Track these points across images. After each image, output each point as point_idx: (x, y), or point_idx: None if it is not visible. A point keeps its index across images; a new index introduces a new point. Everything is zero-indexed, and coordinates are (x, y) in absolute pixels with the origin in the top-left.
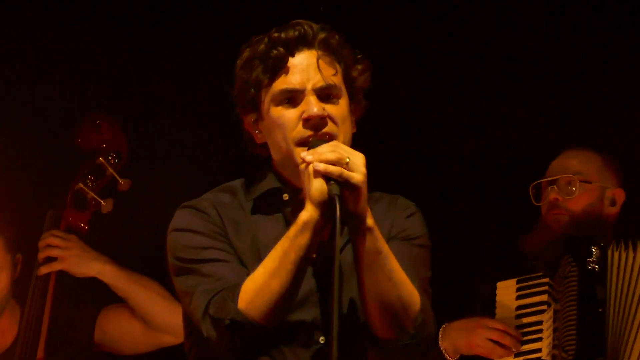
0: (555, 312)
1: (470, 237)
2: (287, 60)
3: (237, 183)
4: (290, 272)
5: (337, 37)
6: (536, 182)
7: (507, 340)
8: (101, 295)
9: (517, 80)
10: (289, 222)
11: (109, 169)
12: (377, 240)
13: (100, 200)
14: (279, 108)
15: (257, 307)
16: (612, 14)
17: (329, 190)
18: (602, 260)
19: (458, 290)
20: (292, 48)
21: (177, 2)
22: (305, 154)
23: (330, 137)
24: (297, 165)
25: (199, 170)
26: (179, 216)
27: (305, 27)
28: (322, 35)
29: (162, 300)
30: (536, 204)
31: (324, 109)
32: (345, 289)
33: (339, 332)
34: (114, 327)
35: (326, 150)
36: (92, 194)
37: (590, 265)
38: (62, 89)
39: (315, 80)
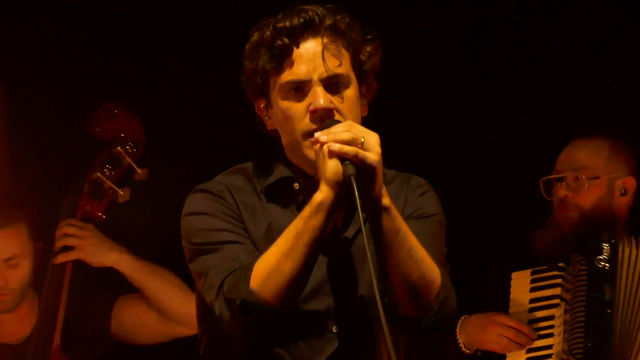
0: (566, 309)
1: (481, 229)
2: (292, 50)
3: (249, 166)
4: (304, 253)
5: (345, 19)
6: (545, 177)
7: (520, 338)
8: (116, 285)
9: (529, 68)
10: (299, 211)
11: (127, 158)
12: (395, 219)
13: (117, 189)
14: (287, 99)
15: (269, 288)
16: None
17: (344, 170)
18: (612, 258)
19: (469, 282)
20: (297, 37)
21: None
22: (319, 134)
23: None
24: (305, 157)
25: (216, 160)
26: (193, 200)
27: (310, 13)
28: (328, 21)
29: (178, 291)
30: (548, 199)
31: (330, 101)
32: (358, 275)
33: (356, 318)
34: (129, 318)
35: (341, 130)
36: (109, 183)
37: (600, 264)
38: (79, 77)
39: (321, 70)
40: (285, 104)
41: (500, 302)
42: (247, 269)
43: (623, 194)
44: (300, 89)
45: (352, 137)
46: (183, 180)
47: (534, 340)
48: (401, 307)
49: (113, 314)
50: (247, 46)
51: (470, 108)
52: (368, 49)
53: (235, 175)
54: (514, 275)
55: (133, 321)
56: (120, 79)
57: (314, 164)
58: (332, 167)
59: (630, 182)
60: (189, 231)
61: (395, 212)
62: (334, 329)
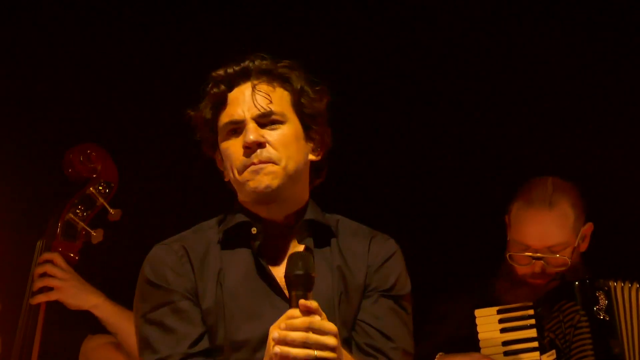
0: (559, 357)
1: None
2: (226, 96)
3: (212, 221)
4: None
5: (287, 66)
6: (518, 254)
7: None
8: (86, 323)
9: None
10: (256, 255)
11: (100, 199)
12: None
13: (90, 230)
14: (226, 141)
15: None
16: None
17: None
18: (609, 306)
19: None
20: (233, 84)
21: (168, 34)
22: (275, 337)
23: (270, 162)
24: (246, 191)
25: (189, 200)
26: (152, 261)
27: (247, 61)
28: (265, 67)
29: None
30: (511, 263)
31: (262, 136)
32: None
33: None
34: (97, 358)
35: (299, 344)
36: (82, 224)
37: (600, 315)
38: (52, 118)
39: (253, 109)
40: (224, 145)
41: (467, 339)
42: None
43: (584, 240)
44: (237, 130)
45: (306, 355)
46: (158, 220)
47: None
48: None
49: (81, 352)
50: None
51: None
52: (311, 94)
53: (195, 233)
54: (478, 312)
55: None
56: (93, 120)
57: (260, 200)
58: None
59: (589, 228)
60: (137, 295)
61: None
62: None
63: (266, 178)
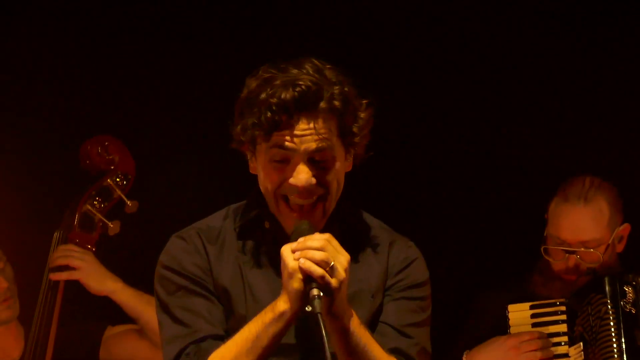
0: (587, 350)
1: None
2: (282, 126)
3: (230, 208)
4: (260, 355)
5: (339, 95)
6: (552, 247)
7: (547, 353)
8: (106, 315)
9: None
10: (269, 251)
11: (117, 190)
12: (354, 336)
13: (107, 222)
14: (270, 163)
15: None
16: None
17: (310, 293)
18: (637, 301)
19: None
20: (292, 113)
21: (189, 25)
22: (295, 246)
23: (318, 201)
24: (275, 213)
25: (206, 192)
26: (168, 249)
27: (304, 87)
28: (323, 105)
29: None
30: (547, 258)
31: (312, 177)
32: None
33: None
34: (120, 348)
35: (315, 247)
36: (99, 215)
37: (626, 307)
38: (70, 110)
39: (307, 144)
40: (267, 166)
41: (502, 334)
42: (204, 354)
43: (620, 242)
44: (284, 159)
45: (323, 258)
46: (174, 212)
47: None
48: None
49: (103, 343)
50: (240, 99)
51: (471, 130)
52: (360, 117)
53: (213, 219)
54: (511, 307)
55: (124, 352)
56: (111, 111)
57: (283, 219)
58: (297, 286)
59: (626, 229)
60: (160, 283)
61: (356, 328)
62: None
63: (310, 216)
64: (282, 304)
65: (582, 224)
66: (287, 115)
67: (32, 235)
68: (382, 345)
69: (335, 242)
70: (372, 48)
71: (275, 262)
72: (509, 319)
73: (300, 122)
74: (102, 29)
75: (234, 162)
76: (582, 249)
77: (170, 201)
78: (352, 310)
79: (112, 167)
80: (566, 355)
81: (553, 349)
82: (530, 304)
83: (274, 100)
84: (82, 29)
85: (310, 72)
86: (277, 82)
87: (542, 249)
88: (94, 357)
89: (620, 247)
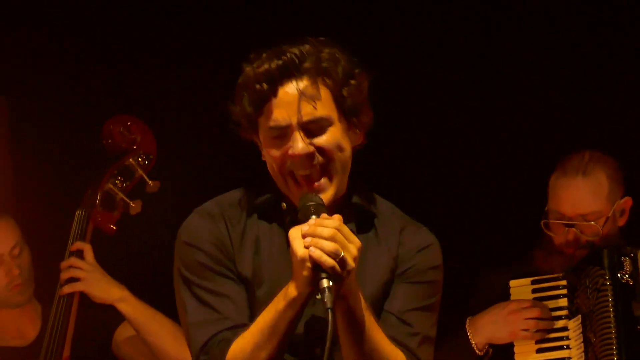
0: (585, 322)
1: (475, 233)
2: (270, 96)
3: (242, 190)
4: (279, 341)
5: (329, 55)
6: (551, 221)
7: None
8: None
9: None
10: (287, 231)
11: (139, 170)
12: (359, 319)
13: (129, 201)
14: (270, 142)
15: None
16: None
17: (319, 284)
18: (634, 272)
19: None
20: (276, 82)
21: (215, 5)
22: (305, 230)
23: (322, 175)
24: (286, 193)
25: (227, 172)
26: (190, 225)
27: (289, 55)
28: (308, 64)
29: (173, 340)
30: (549, 233)
31: (309, 144)
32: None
33: None
34: (126, 346)
35: (325, 236)
36: (121, 194)
37: (623, 279)
38: (92, 90)
39: (299, 115)
40: (268, 147)
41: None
42: (227, 345)
43: (622, 215)
44: (281, 134)
45: (334, 248)
46: (195, 192)
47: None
48: None
49: (115, 336)
50: (237, 84)
51: (471, 112)
52: (352, 82)
53: (230, 198)
54: (513, 283)
55: (129, 350)
56: (133, 91)
57: (294, 198)
58: (306, 274)
59: (628, 202)
60: (182, 260)
61: (361, 310)
62: None
63: (319, 188)
64: (292, 290)
65: (580, 197)
66: (273, 83)
67: (54, 213)
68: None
69: (345, 230)
70: (380, 24)
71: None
72: (510, 295)
73: (288, 90)
74: (127, 8)
75: (255, 145)
76: (582, 222)
77: (192, 181)
78: (360, 293)
79: (135, 147)
80: (565, 328)
81: (553, 322)
82: (531, 279)
83: (260, 70)
84: (107, 7)
85: (300, 43)
86: (264, 55)
87: (542, 224)
88: (108, 347)
89: (622, 221)
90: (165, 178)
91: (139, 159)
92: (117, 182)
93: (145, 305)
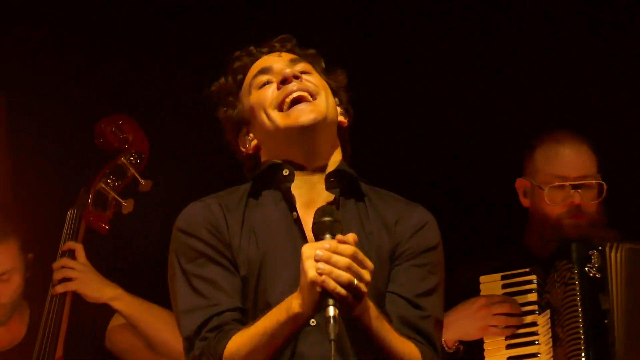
0: (553, 318)
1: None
2: (254, 61)
3: (241, 185)
4: (273, 351)
5: (310, 51)
6: (559, 183)
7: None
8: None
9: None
10: (287, 199)
11: (131, 169)
12: (373, 330)
13: (121, 200)
14: (259, 90)
15: None
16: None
17: (325, 312)
18: (602, 266)
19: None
20: (257, 57)
21: (204, 9)
22: (320, 254)
23: (308, 92)
24: (283, 134)
25: (220, 171)
26: (185, 213)
27: (272, 43)
28: (290, 45)
29: (171, 330)
30: (548, 203)
31: (298, 71)
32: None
33: None
34: (120, 342)
35: (342, 267)
36: (113, 194)
37: (591, 272)
38: (84, 89)
39: (286, 57)
40: (255, 95)
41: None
42: (224, 337)
43: (602, 195)
44: (268, 81)
45: (348, 280)
46: (187, 191)
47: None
48: None
49: (107, 334)
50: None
51: (451, 109)
52: (335, 76)
53: (229, 192)
54: (483, 278)
55: (123, 346)
56: (124, 90)
57: (300, 133)
58: (314, 297)
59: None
60: (177, 248)
61: (375, 323)
62: (311, 322)
63: (307, 107)
64: (296, 306)
65: (583, 159)
66: (254, 57)
67: (46, 213)
68: (393, 314)
69: (361, 256)
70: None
71: (292, 217)
72: (480, 291)
73: (271, 55)
74: (119, 8)
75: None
76: (584, 182)
77: (184, 180)
78: (370, 303)
79: (126, 146)
80: (535, 324)
81: (523, 317)
82: (501, 274)
83: (242, 53)
84: (98, 7)
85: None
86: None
87: (543, 197)
88: (102, 344)
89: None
90: (158, 177)
91: (131, 158)
92: (109, 181)
93: (139, 300)
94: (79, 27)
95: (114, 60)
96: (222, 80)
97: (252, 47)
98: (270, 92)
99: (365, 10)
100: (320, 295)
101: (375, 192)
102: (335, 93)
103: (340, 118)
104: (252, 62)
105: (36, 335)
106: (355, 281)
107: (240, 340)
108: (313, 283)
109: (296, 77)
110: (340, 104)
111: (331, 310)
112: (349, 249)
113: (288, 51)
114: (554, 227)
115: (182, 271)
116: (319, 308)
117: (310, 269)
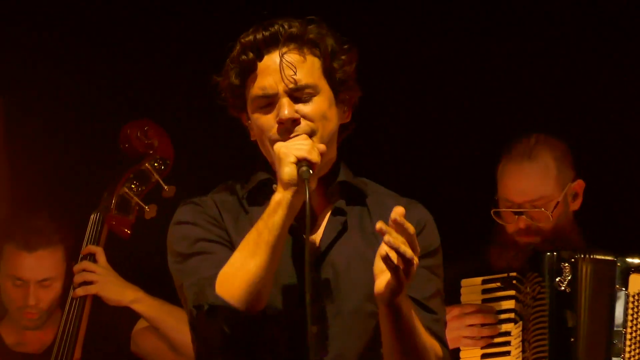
0: (524, 330)
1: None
2: (256, 64)
3: (233, 181)
4: (266, 252)
5: (315, 30)
6: (500, 210)
7: (487, 326)
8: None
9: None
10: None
11: (155, 174)
12: (409, 319)
13: (144, 205)
14: (258, 112)
15: (234, 289)
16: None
17: (300, 172)
18: (573, 279)
19: None
20: (262, 51)
21: (227, 13)
22: (279, 145)
23: (308, 134)
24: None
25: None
26: (179, 211)
27: (276, 26)
28: (293, 34)
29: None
30: (500, 222)
31: (295, 111)
32: (341, 282)
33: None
34: (146, 345)
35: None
36: (136, 199)
37: (561, 286)
38: (109, 94)
39: (285, 81)
40: (256, 116)
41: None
42: (214, 276)
43: (575, 199)
44: (268, 102)
45: (411, 256)
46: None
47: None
48: None
49: (132, 336)
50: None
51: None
52: (342, 57)
53: (222, 192)
54: (464, 282)
55: (149, 348)
56: (150, 96)
57: None
58: (288, 170)
59: (579, 184)
60: (171, 240)
61: (409, 312)
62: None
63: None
64: (277, 195)
65: (527, 182)
66: (258, 52)
67: (70, 216)
68: None
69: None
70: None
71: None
72: (460, 294)
73: (274, 57)
74: (121, 8)
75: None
76: (531, 208)
77: (207, 187)
78: (406, 296)
79: (151, 152)
80: (508, 333)
81: (499, 326)
82: (482, 278)
83: (246, 41)
84: (99, 7)
85: (284, 19)
86: (252, 28)
87: (492, 213)
88: (126, 347)
89: (575, 205)
90: (181, 183)
91: (155, 164)
92: (133, 186)
93: (160, 302)
94: (78, 27)
95: (142, 64)
96: (226, 76)
97: (257, 35)
98: (269, 124)
99: (365, 10)
100: (296, 166)
101: (373, 192)
102: (340, 88)
103: (342, 119)
104: (258, 58)
105: None
106: (415, 258)
107: (231, 259)
108: (284, 158)
109: (294, 122)
110: (343, 102)
111: (305, 173)
112: (411, 228)
113: (293, 39)
114: (514, 241)
115: (182, 257)
116: (295, 187)
117: (280, 150)
